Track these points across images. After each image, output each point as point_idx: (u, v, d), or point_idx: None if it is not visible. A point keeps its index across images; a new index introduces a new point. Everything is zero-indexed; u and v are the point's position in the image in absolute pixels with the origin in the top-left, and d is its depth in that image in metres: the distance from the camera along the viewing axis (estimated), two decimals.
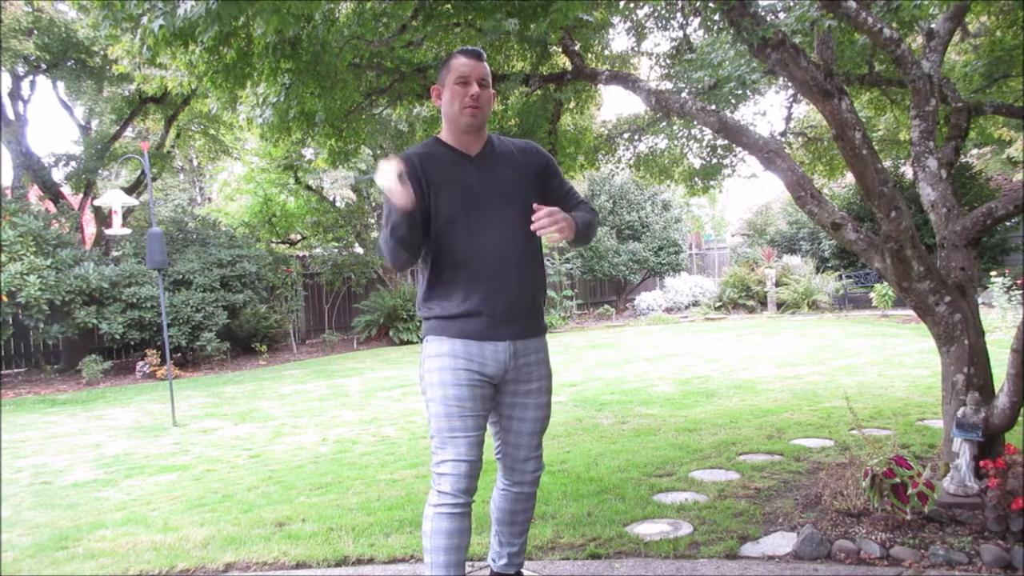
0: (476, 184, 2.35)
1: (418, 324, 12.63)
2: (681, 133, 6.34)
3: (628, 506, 3.58)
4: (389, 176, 2.12)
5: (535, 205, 2.23)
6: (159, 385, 9.76)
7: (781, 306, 14.72)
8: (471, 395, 2.29)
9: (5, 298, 9.53)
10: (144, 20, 2.91)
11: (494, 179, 2.37)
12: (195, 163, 19.88)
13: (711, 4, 3.96)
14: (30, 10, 10.79)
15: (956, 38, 5.27)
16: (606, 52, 6.05)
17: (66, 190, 13.26)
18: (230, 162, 16.54)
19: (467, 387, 2.29)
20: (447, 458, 2.26)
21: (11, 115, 12.22)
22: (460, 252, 2.32)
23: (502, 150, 2.44)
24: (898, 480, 2.99)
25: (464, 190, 2.33)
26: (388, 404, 7.32)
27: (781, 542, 3.05)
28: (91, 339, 11.59)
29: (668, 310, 15.73)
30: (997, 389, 3.23)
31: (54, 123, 37.70)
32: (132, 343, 11.27)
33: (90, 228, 13.97)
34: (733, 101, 4.37)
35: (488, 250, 2.33)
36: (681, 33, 5.82)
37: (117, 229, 10.70)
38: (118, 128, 13.28)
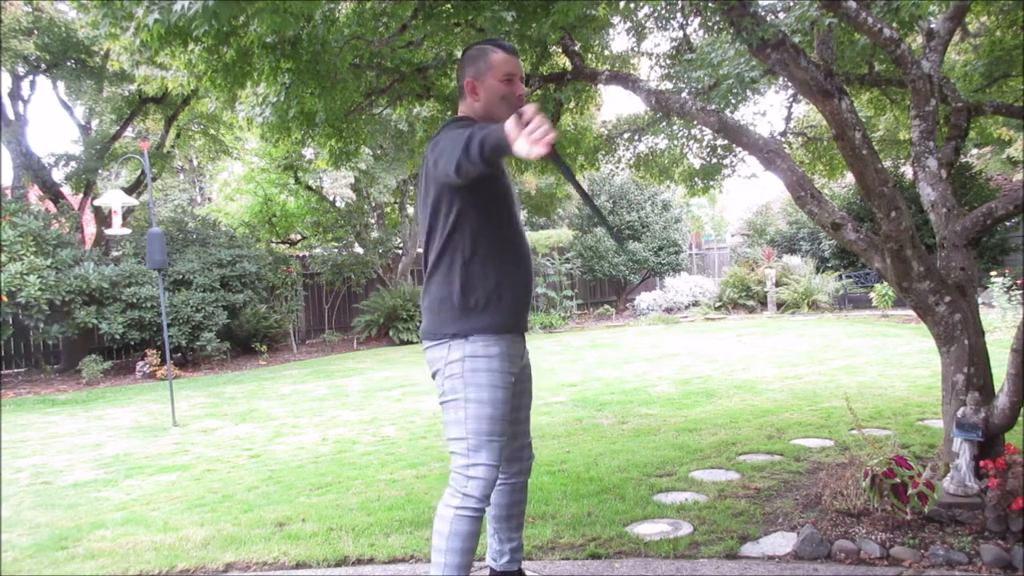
0: (510, 183, 2.40)
1: (418, 324, 12.59)
2: (681, 133, 6.33)
3: (628, 506, 3.58)
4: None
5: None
6: (159, 385, 9.76)
7: (781, 306, 14.72)
8: (510, 397, 2.30)
9: (5, 298, 9.53)
10: (139, 13, 2.89)
11: (510, 179, 2.44)
12: (195, 163, 19.88)
13: (711, 4, 3.96)
14: (30, 10, 10.78)
15: (956, 38, 5.27)
16: (606, 52, 6.03)
17: (66, 190, 13.25)
18: (230, 162, 16.55)
19: (509, 389, 2.29)
20: (482, 462, 2.21)
21: (11, 115, 12.21)
22: (506, 249, 2.30)
23: None
24: (898, 480, 2.99)
25: (507, 188, 2.36)
26: (388, 404, 7.32)
27: (781, 542, 3.05)
28: (91, 339, 11.60)
29: (668, 310, 15.72)
30: (997, 389, 3.23)
31: (54, 123, 37.79)
32: (132, 343, 11.27)
33: (90, 228, 13.97)
34: (733, 101, 4.36)
35: (523, 248, 2.36)
36: (681, 33, 5.81)
37: (117, 229, 10.69)
38: (118, 128, 13.28)
